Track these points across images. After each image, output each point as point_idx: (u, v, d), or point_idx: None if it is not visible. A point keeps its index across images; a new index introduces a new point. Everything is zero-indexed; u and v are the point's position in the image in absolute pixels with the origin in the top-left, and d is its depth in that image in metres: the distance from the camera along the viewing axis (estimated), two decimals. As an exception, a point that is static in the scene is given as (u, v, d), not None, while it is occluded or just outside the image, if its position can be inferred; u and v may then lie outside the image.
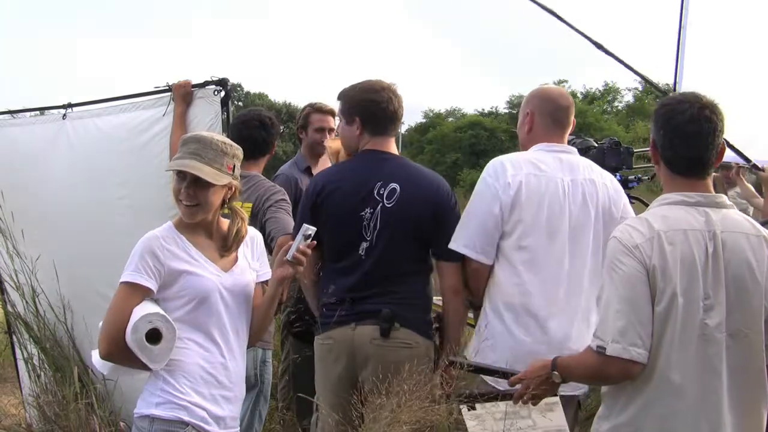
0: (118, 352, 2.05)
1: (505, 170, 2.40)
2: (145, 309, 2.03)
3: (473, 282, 2.49)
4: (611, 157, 2.62)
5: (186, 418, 2.07)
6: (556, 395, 2.12)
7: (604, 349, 1.76)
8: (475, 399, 2.18)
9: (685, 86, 6.11)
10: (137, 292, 2.04)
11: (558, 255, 2.36)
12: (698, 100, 1.82)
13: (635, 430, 1.81)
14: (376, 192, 2.53)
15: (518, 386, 2.09)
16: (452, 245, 2.46)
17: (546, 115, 2.48)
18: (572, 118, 2.52)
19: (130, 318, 2.02)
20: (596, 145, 2.70)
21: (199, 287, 2.10)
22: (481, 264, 2.43)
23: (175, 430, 2.07)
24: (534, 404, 2.09)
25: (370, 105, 2.59)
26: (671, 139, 1.84)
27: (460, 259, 2.48)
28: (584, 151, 2.67)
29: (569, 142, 2.60)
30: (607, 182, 2.43)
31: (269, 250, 2.99)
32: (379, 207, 2.52)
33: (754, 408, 1.82)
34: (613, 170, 2.61)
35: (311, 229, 2.15)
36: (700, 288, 1.76)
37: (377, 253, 2.54)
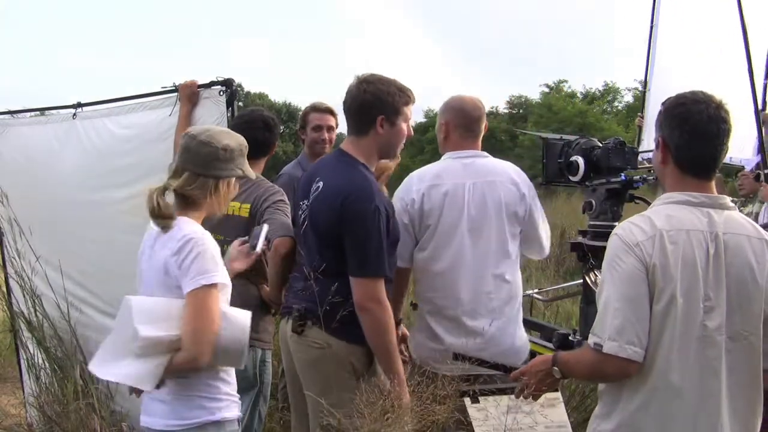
0: (210, 357, 2.00)
1: (411, 186, 2.75)
2: (238, 311, 2.06)
3: (396, 282, 2.63)
4: (616, 157, 2.63)
5: (240, 413, 2.13)
6: (557, 391, 2.16)
7: (601, 346, 1.76)
8: (478, 393, 2.25)
9: (656, 83, 6.12)
10: (218, 293, 2.01)
11: (457, 251, 2.67)
12: (712, 100, 1.81)
13: (635, 430, 1.81)
14: (312, 186, 2.51)
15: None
16: None
17: (460, 126, 2.79)
18: (483, 126, 2.84)
19: (231, 320, 2.02)
20: (600, 145, 2.71)
21: (229, 286, 2.12)
22: (399, 267, 2.65)
23: (235, 429, 2.10)
24: (535, 399, 2.10)
25: None
26: (689, 140, 1.81)
27: (365, 275, 2.36)
28: (589, 151, 2.69)
29: (574, 142, 2.71)
30: (509, 185, 2.71)
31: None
32: (308, 201, 2.52)
33: (750, 410, 1.82)
34: (617, 170, 2.62)
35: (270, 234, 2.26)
36: (700, 289, 1.75)
37: (301, 247, 2.56)
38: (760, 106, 5.39)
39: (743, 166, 5.71)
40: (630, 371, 1.77)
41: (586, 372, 1.94)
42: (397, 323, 2.69)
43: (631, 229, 1.80)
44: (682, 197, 1.83)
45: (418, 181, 2.74)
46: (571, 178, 2.71)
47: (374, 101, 2.44)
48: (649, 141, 5.54)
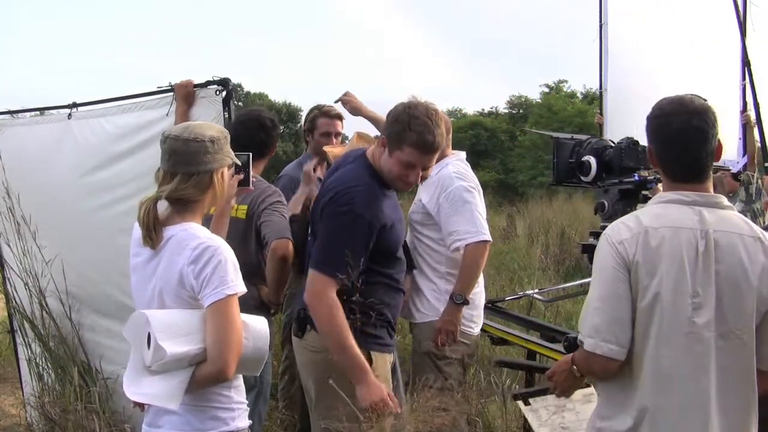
0: (235, 369, 1.96)
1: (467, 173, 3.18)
2: (255, 319, 2.03)
3: None
4: (628, 157, 2.58)
5: (250, 421, 2.09)
6: (589, 386, 2.25)
7: (583, 343, 1.83)
8: (528, 395, 2.42)
9: (612, 84, 6.08)
10: (237, 302, 1.95)
11: None
12: (686, 109, 1.82)
13: (627, 426, 1.81)
14: (326, 181, 2.53)
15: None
16: None
17: None
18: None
19: (251, 329, 1.99)
20: (613, 144, 2.66)
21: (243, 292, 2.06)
22: None
23: None
24: (566, 397, 2.16)
25: None
26: (664, 150, 1.87)
27: (315, 268, 2.32)
28: (601, 151, 2.65)
29: (585, 142, 2.74)
30: None
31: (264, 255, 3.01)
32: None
33: (743, 410, 1.81)
34: (630, 171, 2.57)
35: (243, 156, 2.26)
36: (688, 285, 1.75)
37: (309, 247, 2.52)
38: (740, 107, 5.37)
39: (729, 168, 5.68)
40: (610, 368, 1.81)
41: (580, 368, 1.96)
42: None
43: (618, 228, 1.84)
44: (674, 196, 1.85)
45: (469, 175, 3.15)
46: (582, 178, 2.67)
47: (386, 119, 2.42)
48: (611, 138, 5.53)
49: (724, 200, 1.86)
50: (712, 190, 1.87)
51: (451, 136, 3.18)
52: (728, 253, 1.77)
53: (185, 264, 1.90)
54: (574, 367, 1.97)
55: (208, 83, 3.19)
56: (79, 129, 3.56)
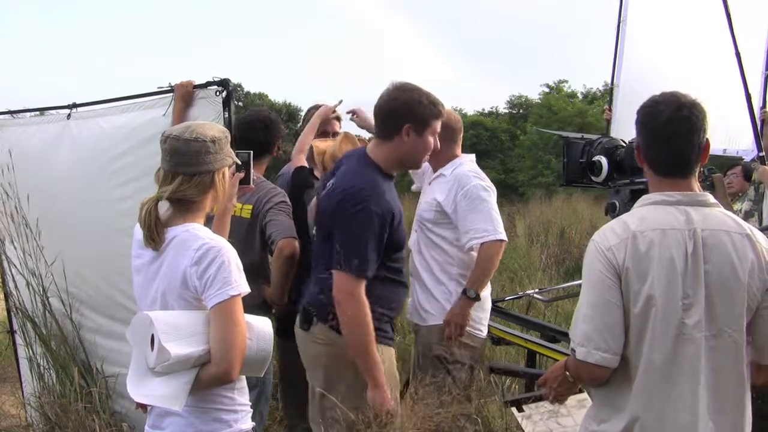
0: (239, 370, 1.94)
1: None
2: (259, 320, 2.02)
3: None
4: (640, 157, 2.52)
5: (253, 423, 2.07)
6: (582, 392, 2.23)
7: (575, 352, 1.83)
8: (521, 401, 2.40)
9: (624, 80, 6.08)
10: (241, 303, 1.94)
11: None
12: (676, 100, 1.81)
13: (621, 429, 1.81)
14: (327, 183, 2.57)
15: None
16: None
17: (446, 139, 2.97)
18: (461, 133, 3.26)
19: (255, 330, 1.97)
20: (624, 144, 2.61)
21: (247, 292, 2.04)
22: None
23: None
24: (560, 403, 2.15)
25: None
26: (651, 142, 1.87)
27: (342, 269, 2.35)
28: (612, 150, 2.60)
29: (596, 141, 2.72)
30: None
31: (270, 252, 3.06)
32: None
33: (734, 411, 1.81)
34: (642, 171, 2.50)
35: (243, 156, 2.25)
36: (679, 287, 1.75)
37: (313, 244, 2.60)
38: (760, 102, 5.30)
39: (742, 158, 5.62)
40: (600, 376, 1.81)
41: (572, 375, 1.97)
42: None
43: (606, 234, 1.83)
44: (658, 197, 1.84)
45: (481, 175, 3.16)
46: (593, 178, 2.63)
47: (403, 109, 2.47)
48: (617, 134, 5.45)
49: (710, 198, 1.86)
50: (697, 187, 1.85)
51: (461, 136, 3.20)
52: (717, 252, 1.77)
53: (188, 265, 1.88)
54: (568, 373, 1.96)
55: (208, 84, 3.15)
56: (77, 129, 3.54)
